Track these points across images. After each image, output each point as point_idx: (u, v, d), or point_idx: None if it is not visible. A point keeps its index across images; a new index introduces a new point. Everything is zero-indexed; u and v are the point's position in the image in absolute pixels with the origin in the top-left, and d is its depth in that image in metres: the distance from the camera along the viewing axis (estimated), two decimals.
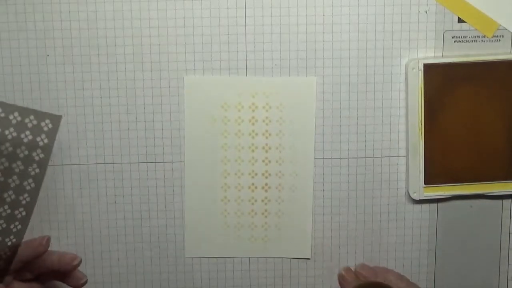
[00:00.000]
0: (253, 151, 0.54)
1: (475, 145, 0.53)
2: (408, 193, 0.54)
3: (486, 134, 0.53)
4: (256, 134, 0.54)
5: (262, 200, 0.55)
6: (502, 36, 0.53)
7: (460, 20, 0.53)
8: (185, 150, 0.54)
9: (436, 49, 0.53)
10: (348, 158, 0.54)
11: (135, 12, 0.52)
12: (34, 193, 0.48)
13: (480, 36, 0.53)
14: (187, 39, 0.53)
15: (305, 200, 0.55)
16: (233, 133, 0.54)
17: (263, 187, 0.54)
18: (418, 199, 0.54)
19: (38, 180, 0.48)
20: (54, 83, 0.53)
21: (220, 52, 0.53)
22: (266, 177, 0.54)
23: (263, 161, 0.54)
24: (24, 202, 0.48)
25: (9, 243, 0.47)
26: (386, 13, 0.52)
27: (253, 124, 0.54)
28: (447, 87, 0.52)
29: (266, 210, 0.55)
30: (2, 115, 0.46)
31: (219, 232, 0.55)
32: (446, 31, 0.53)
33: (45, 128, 0.47)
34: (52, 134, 0.48)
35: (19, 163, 0.47)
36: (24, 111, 0.47)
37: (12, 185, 0.47)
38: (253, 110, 0.54)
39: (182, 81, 0.53)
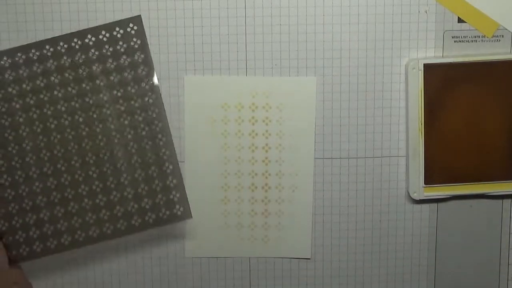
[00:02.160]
0: (253, 151, 0.54)
1: (475, 145, 0.53)
2: (408, 193, 0.54)
3: (486, 134, 0.53)
4: (256, 134, 0.54)
5: (262, 200, 0.55)
6: (502, 36, 0.53)
7: (460, 20, 0.53)
8: (185, 150, 0.54)
9: (436, 49, 0.53)
10: (348, 158, 0.54)
11: (135, 12, 0.52)
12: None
13: (480, 36, 0.53)
14: (187, 39, 0.53)
15: (305, 200, 0.55)
16: (233, 133, 0.54)
17: (263, 187, 0.54)
18: (418, 199, 0.54)
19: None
20: None
21: (220, 52, 0.53)
22: (266, 177, 0.54)
23: (263, 161, 0.54)
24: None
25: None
26: (386, 13, 0.52)
27: (253, 124, 0.54)
28: (447, 87, 0.52)
29: (266, 210, 0.55)
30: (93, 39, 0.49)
31: (219, 232, 0.55)
32: (446, 31, 0.53)
33: (132, 32, 0.50)
34: (141, 34, 0.50)
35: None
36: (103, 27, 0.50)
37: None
38: (253, 110, 0.54)
39: (182, 81, 0.53)
